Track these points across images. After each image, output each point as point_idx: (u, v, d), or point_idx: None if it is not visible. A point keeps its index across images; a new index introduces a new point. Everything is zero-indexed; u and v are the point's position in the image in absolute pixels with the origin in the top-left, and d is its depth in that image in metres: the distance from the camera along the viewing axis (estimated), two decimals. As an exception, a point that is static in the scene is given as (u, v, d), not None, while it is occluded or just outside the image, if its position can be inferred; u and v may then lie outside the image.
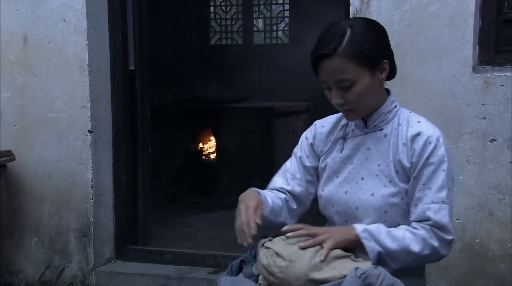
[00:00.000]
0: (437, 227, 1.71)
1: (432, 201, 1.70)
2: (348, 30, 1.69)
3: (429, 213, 1.70)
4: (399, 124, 1.81)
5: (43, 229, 3.64)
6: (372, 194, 1.77)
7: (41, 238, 3.65)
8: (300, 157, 1.97)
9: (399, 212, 1.76)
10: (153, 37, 6.58)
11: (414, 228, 1.72)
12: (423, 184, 1.72)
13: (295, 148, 2.01)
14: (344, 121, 1.92)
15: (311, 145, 1.96)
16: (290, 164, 1.98)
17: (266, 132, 5.68)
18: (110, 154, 3.67)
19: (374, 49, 1.71)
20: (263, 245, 1.73)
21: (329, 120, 1.97)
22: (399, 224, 1.75)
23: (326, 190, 1.88)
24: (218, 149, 5.91)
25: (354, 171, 1.83)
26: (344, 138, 1.88)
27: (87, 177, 3.53)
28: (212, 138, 5.97)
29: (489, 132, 2.81)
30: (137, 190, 3.83)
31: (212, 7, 8.18)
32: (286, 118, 5.91)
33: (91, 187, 3.53)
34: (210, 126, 5.94)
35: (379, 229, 1.71)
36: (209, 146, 5.99)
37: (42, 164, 3.60)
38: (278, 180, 1.98)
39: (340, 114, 1.92)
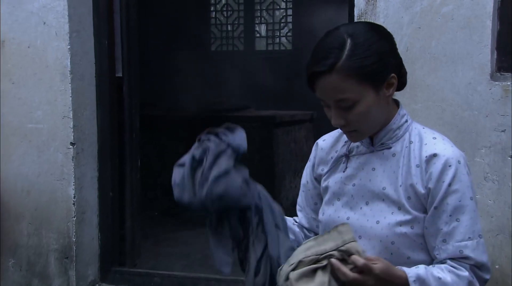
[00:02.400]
0: (478, 267, 1.57)
1: (469, 237, 1.55)
2: (348, 40, 1.51)
3: (468, 252, 1.55)
4: (410, 142, 1.63)
5: (21, 250, 3.51)
6: (377, 222, 1.60)
7: (18, 259, 3.53)
8: (303, 185, 1.86)
9: (408, 243, 1.59)
10: (150, 43, 6.58)
11: (455, 268, 1.56)
12: (450, 215, 1.55)
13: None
14: None
15: (312, 167, 1.82)
16: (300, 193, 1.89)
17: (267, 143, 5.56)
18: (94, 167, 3.56)
19: (379, 62, 1.53)
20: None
21: (331, 134, 1.83)
22: (408, 258, 1.59)
23: (326, 215, 1.72)
24: (216, 160, 5.70)
25: (357, 194, 1.66)
26: (347, 155, 1.72)
27: (69, 193, 3.40)
28: (210, 148, 5.78)
29: (509, 146, 2.67)
30: (124, 206, 3.72)
31: (212, 12, 8.27)
32: (288, 128, 5.84)
33: (74, 204, 3.40)
34: (208, 136, 5.75)
35: (428, 276, 1.54)
36: (207, 156, 5.80)
37: (20, 179, 3.48)
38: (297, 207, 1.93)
39: None
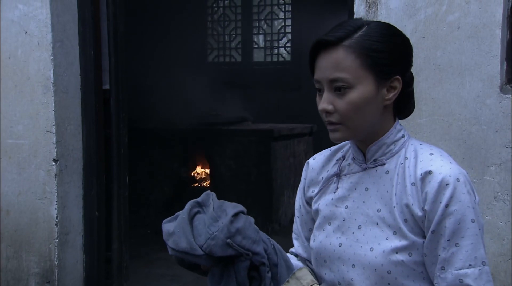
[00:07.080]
0: None
1: (470, 264, 1.42)
2: (366, 26, 1.51)
3: (469, 281, 1.42)
4: (405, 158, 1.52)
5: (-1, 274, 3.37)
6: (371, 249, 1.49)
7: (-3, 284, 3.43)
8: (297, 209, 1.76)
9: (407, 272, 1.48)
10: (143, 53, 6.54)
11: None
12: (448, 240, 1.42)
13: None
14: (340, 154, 1.65)
15: (303, 189, 1.71)
16: (295, 219, 1.79)
17: (264, 157, 5.60)
18: (79, 185, 3.49)
19: (389, 54, 1.48)
20: None
21: (323, 153, 1.72)
22: None
23: (317, 241, 1.60)
24: (212, 176, 5.81)
25: (349, 217, 1.55)
26: (338, 175, 1.61)
27: (51, 212, 3.33)
28: (206, 163, 5.90)
29: (521, 164, 2.65)
30: (111, 227, 3.64)
31: (209, 22, 8.27)
32: (286, 141, 5.85)
33: (56, 224, 3.33)
34: (203, 150, 5.86)
35: None
36: (202, 172, 5.92)
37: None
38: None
39: (336, 146, 1.67)
